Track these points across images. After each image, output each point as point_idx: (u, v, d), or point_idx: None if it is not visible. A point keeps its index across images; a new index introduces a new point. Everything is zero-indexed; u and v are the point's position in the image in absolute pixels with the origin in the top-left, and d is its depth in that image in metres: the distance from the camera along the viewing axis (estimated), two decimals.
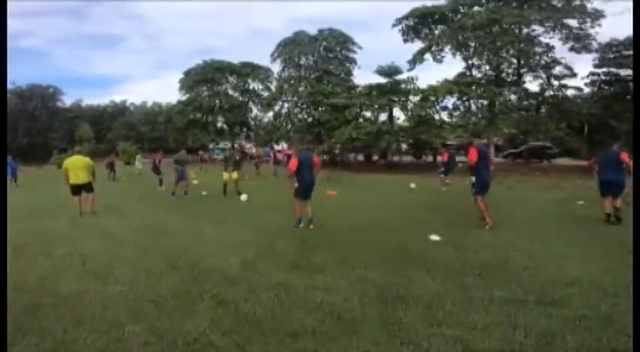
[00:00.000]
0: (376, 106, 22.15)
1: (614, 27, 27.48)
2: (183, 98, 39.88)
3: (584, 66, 22.57)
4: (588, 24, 19.87)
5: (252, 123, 40.66)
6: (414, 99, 21.31)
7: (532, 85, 22.00)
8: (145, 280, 3.88)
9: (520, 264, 4.32)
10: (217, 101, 39.01)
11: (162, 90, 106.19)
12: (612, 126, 21.43)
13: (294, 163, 6.45)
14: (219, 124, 41.66)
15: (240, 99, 40.00)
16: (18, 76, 79.88)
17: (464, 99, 19.95)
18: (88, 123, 52.60)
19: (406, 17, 22.58)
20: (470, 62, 21.45)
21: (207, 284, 3.73)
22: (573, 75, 21.08)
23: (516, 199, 10.24)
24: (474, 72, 21.57)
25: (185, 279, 3.90)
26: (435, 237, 5.63)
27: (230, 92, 40.00)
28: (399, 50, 74.00)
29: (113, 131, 55.31)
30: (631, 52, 19.77)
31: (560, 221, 7.04)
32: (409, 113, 21.39)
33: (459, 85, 19.21)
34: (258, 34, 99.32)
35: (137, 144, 48.31)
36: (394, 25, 22.97)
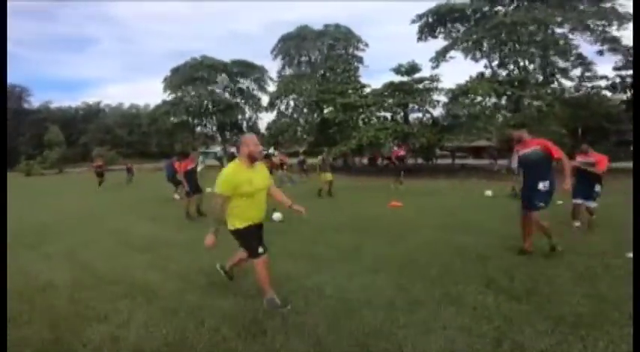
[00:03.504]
0: (395, 106, 20.33)
1: None
2: (169, 98, 36.80)
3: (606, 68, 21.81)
4: (614, 27, 19.13)
5: (245, 125, 37.99)
6: (439, 98, 19.73)
7: (555, 85, 20.99)
8: None
9: None
10: (206, 102, 36.19)
11: (136, 93, 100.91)
12: (605, 128, 20.95)
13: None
14: (208, 127, 38.73)
15: (232, 100, 37.29)
16: None
17: (502, 98, 18.47)
18: (58, 126, 48.04)
19: (426, 14, 21.11)
20: (495, 61, 20.17)
21: None
22: (601, 77, 20.24)
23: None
24: (500, 71, 20.27)
25: None
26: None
27: (221, 92, 37.23)
28: (385, 55, 73.32)
29: (86, 134, 50.93)
30: None
31: None
32: (433, 113, 19.77)
33: (502, 83, 17.73)
34: (238, 37, 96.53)
35: (115, 149, 44.64)
36: (413, 22, 21.51)
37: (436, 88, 20.57)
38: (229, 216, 3.16)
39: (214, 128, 38.92)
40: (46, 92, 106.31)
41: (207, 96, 35.77)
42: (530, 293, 3.37)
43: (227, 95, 37.72)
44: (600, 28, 19.47)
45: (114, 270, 4.36)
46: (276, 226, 6.81)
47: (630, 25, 19.39)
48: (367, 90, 24.63)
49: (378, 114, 21.24)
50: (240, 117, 37.47)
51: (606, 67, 20.91)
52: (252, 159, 3.10)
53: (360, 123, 22.73)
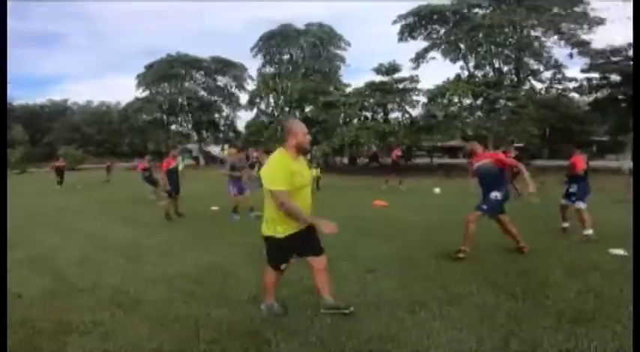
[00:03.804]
0: (376, 106, 20.49)
1: (613, 33, 29.51)
2: (142, 95, 35.49)
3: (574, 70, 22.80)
4: (584, 30, 20.07)
5: (223, 123, 37.21)
6: (418, 98, 20.09)
7: (527, 87, 21.79)
8: None
9: None
10: (181, 99, 35.17)
11: (107, 90, 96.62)
12: (571, 129, 22.08)
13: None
14: (184, 125, 37.65)
15: (209, 97, 36.41)
16: None
17: (479, 99, 19.02)
18: (21, 124, 45.17)
19: (407, 15, 21.47)
20: (471, 63, 20.77)
21: None
22: (571, 79, 21.19)
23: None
24: (477, 73, 20.92)
25: None
26: (619, 251, 4.51)
27: (197, 89, 36.29)
28: (365, 55, 73.95)
29: (52, 133, 48.19)
30: (618, 58, 20.27)
31: None
32: (412, 113, 20.06)
33: (479, 85, 18.24)
34: (216, 35, 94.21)
35: (83, 148, 42.59)
36: (395, 22, 21.88)
37: (415, 89, 20.88)
38: (269, 219, 2.65)
39: (190, 126, 37.92)
40: (9, 89, 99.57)
41: (182, 94, 34.79)
42: (527, 291, 3.40)
43: (204, 92, 36.86)
44: (571, 32, 20.41)
45: (90, 277, 4.03)
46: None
47: (599, 29, 20.49)
48: (349, 89, 24.70)
49: (359, 113, 21.30)
50: (217, 115, 36.70)
51: (574, 69, 21.89)
52: (300, 151, 2.67)
53: (342, 122, 22.76)
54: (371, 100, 20.51)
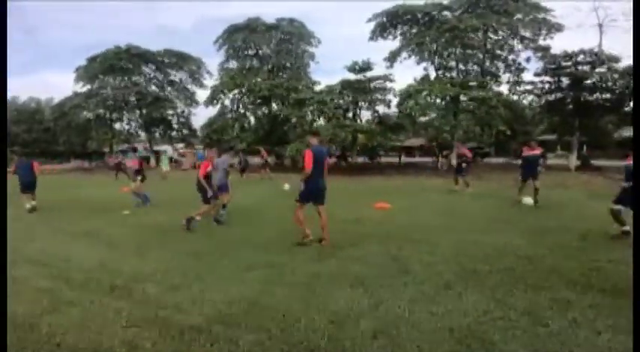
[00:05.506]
0: (350, 104, 20.01)
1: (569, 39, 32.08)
2: (82, 90, 31.74)
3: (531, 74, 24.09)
4: (543, 35, 21.37)
5: (176, 120, 34.53)
6: (390, 97, 19.97)
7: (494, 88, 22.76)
8: None
9: None
10: (128, 95, 31.97)
11: (39, 87, 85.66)
12: (514, 129, 23.65)
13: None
14: (132, 122, 34.34)
15: (161, 93, 33.57)
16: None
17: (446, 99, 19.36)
18: None
19: (383, 14, 21.40)
20: (437, 63, 21.24)
21: None
22: (528, 82, 22.51)
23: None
24: (445, 73, 21.40)
25: None
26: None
27: (147, 84, 33.29)
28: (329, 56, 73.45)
29: None
30: (567, 63, 21.88)
31: None
32: (383, 112, 19.87)
33: (454, 85, 18.51)
34: (165, 31, 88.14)
35: (8, 149, 37.24)
36: (369, 20, 21.74)
37: (387, 88, 20.78)
38: None
39: (138, 124, 34.71)
40: None
41: (130, 89, 31.60)
42: (615, 287, 3.35)
43: (155, 88, 33.98)
44: (532, 37, 21.68)
45: (82, 333, 2.73)
46: (281, 246, 5.47)
47: (557, 35, 21.93)
48: (319, 87, 23.98)
49: (335, 111, 20.69)
50: (170, 112, 33.91)
51: (531, 73, 23.28)
52: None
53: (314, 120, 21.97)
54: (345, 98, 20.01)
